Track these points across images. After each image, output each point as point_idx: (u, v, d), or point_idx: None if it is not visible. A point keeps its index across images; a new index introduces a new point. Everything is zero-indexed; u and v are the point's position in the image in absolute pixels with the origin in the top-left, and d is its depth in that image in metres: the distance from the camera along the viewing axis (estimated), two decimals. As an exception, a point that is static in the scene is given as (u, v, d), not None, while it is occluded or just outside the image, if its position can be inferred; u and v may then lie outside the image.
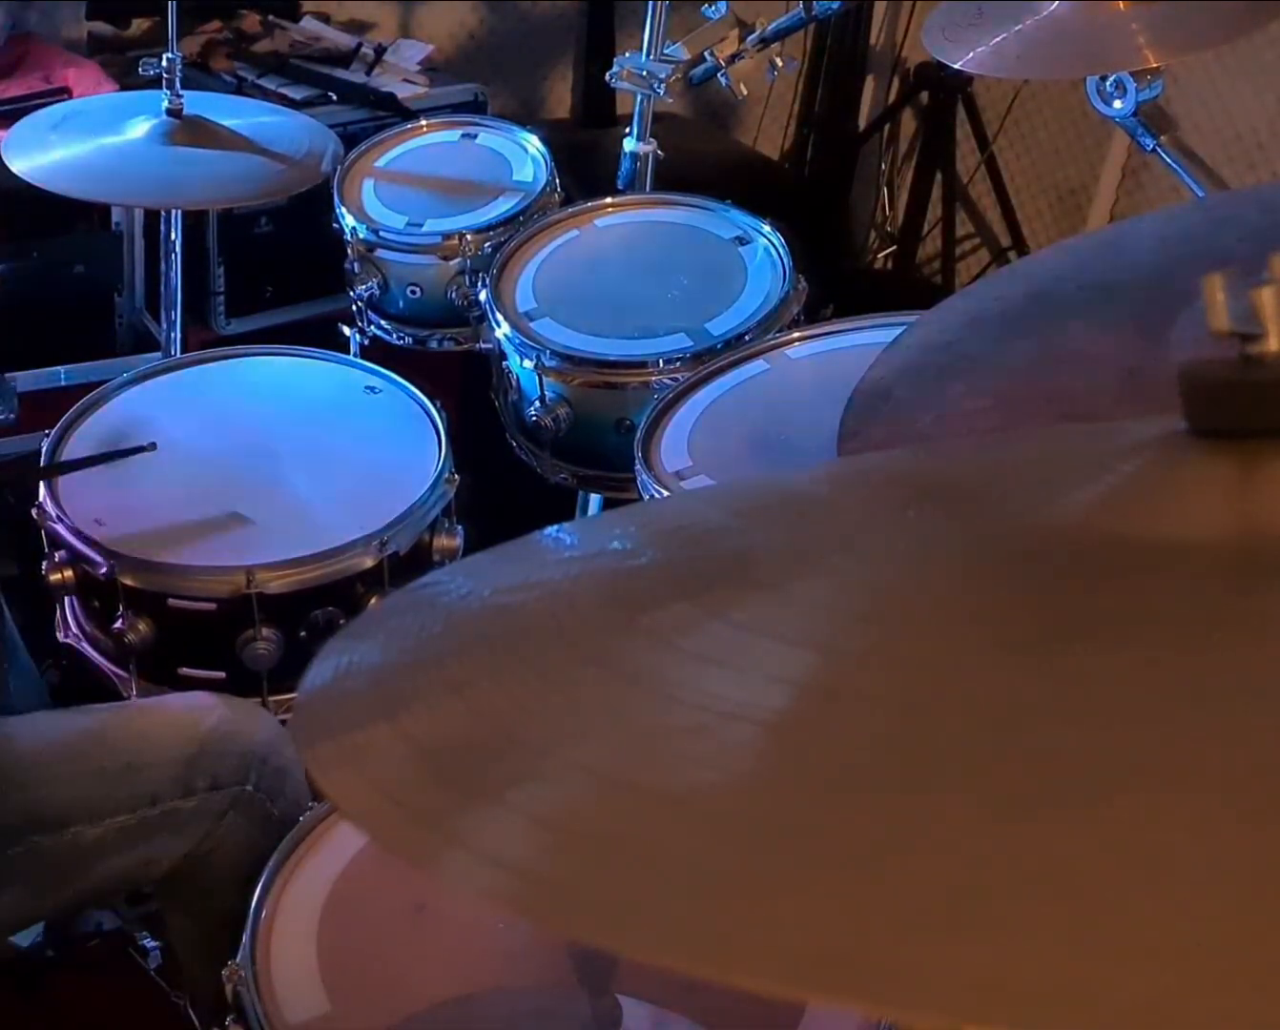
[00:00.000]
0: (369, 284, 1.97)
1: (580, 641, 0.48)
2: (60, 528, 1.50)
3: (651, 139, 2.08)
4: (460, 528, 1.60)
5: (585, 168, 2.52)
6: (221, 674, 1.49)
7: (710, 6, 2.04)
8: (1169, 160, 1.45)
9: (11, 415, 1.81)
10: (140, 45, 2.72)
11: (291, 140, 1.97)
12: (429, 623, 0.55)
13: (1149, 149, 1.45)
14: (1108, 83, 1.42)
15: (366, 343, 2.04)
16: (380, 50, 2.79)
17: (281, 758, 1.38)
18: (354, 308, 2.03)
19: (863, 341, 1.52)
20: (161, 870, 1.36)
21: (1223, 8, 1.39)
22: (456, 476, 1.60)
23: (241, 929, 1.11)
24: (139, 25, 2.77)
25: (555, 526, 0.60)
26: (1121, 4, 1.36)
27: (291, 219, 2.45)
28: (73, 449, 1.63)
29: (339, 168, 2.02)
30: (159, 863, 1.35)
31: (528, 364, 1.69)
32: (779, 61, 2.05)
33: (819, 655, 0.45)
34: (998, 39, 1.41)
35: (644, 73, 2.02)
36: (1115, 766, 0.36)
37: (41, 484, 1.55)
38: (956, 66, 1.43)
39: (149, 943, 1.58)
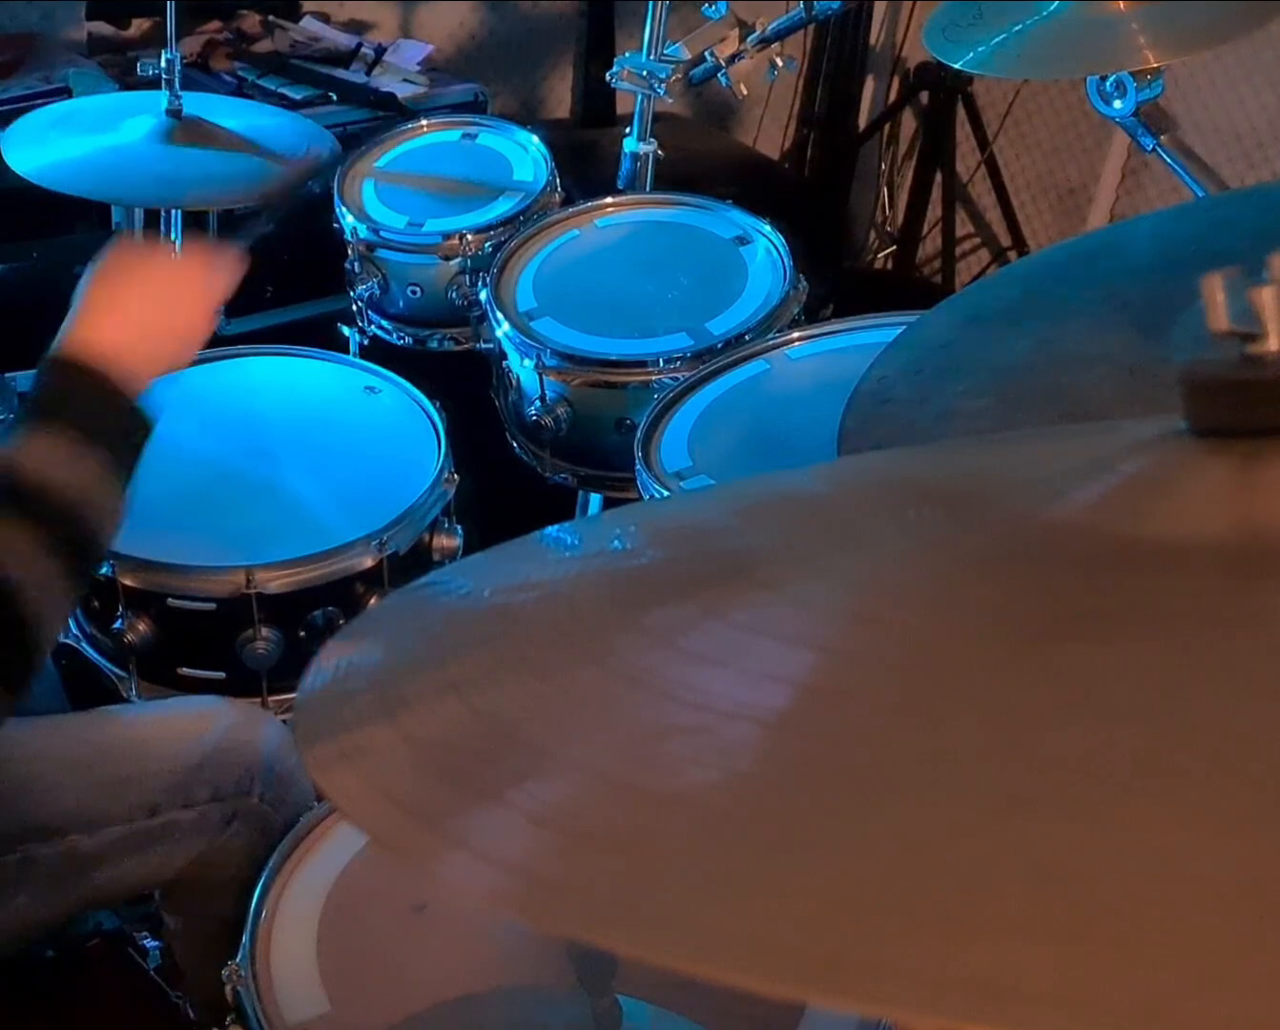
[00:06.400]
0: (369, 284, 1.97)
1: (580, 641, 0.48)
2: (60, 528, 1.50)
3: (651, 139, 2.08)
4: (460, 528, 1.60)
5: (585, 168, 2.52)
6: (221, 674, 1.49)
7: (710, 6, 2.04)
8: (1169, 160, 1.45)
9: (11, 415, 1.80)
10: (140, 45, 2.72)
11: (291, 140, 1.97)
12: (429, 623, 0.55)
13: (1149, 149, 1.45)
14: (1108, 83, 1.42)
15: (366, 343, 2.04)
16: (380, 50, 2.79)
17: (286, 765, 1.34)
18: (354, 308, 2.03)
19: (863, 341, 1.52)
20: (162, 880, 1.34)
21: (1223, 8, 1.39)
22: (456, 476, 1.60)
23: (241, 930, 1.11)
24: (139, 25, 2.77)
25: (555, 526, 0.60)
26: (1121, 4, 1.36)
27: (291, 219, 2.44)
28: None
29: (339, 168, 2.02)
30: (159, 873, 1.33)
31: (528, 363, 1.69)
32: (779, 61, 2.05)
33: (819, 655, 0.45)
34: (998, 39, 1.41)
35: (644, 73, 2.02)
36: (1115, 766, 0.36)
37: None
38: (956, 66, 1.44)
39: (149, 943, 1.58)
